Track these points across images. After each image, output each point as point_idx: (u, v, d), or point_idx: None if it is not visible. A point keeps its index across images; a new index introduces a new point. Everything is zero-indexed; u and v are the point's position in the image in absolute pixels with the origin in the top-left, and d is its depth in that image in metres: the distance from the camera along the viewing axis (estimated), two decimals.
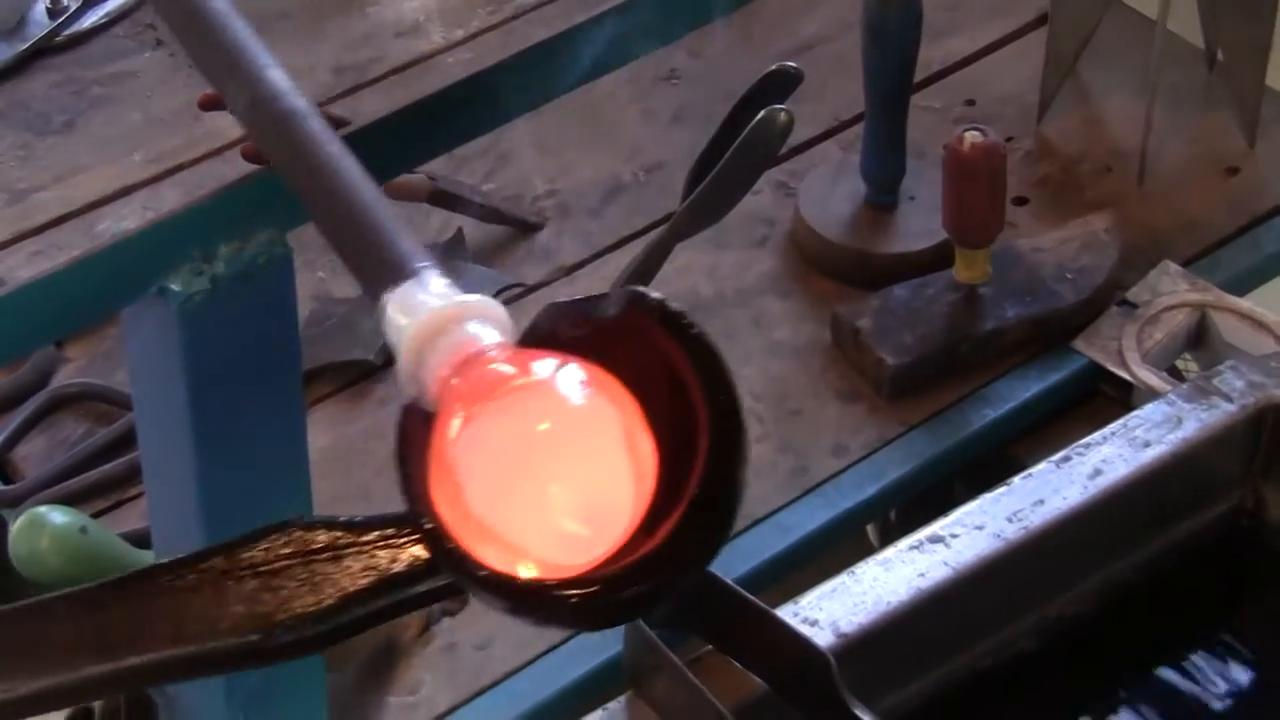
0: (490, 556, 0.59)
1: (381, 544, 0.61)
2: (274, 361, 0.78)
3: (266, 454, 0.80)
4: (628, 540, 0.59)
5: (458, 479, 0.59)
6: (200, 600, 0.61)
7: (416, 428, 0.60)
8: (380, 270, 0.66)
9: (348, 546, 0.61)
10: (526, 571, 0.59)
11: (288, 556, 0.61)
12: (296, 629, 0.61)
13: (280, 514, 0.83)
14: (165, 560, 0.61)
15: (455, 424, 0.59)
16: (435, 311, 0.62)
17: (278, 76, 0.72)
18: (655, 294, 0.62)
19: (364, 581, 0.61)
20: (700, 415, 0.61)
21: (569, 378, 0.60)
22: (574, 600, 0.58)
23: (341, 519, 0.61)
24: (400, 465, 0.60)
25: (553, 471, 0.59)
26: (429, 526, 0.59)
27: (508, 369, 0.59)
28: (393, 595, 0.61)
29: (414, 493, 0.59)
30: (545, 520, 0.59)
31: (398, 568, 0.61)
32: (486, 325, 0.62)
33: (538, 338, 0.62)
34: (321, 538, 0.61)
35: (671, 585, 0.60)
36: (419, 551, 0.61)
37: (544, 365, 0.60)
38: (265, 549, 0.61)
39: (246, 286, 0.75)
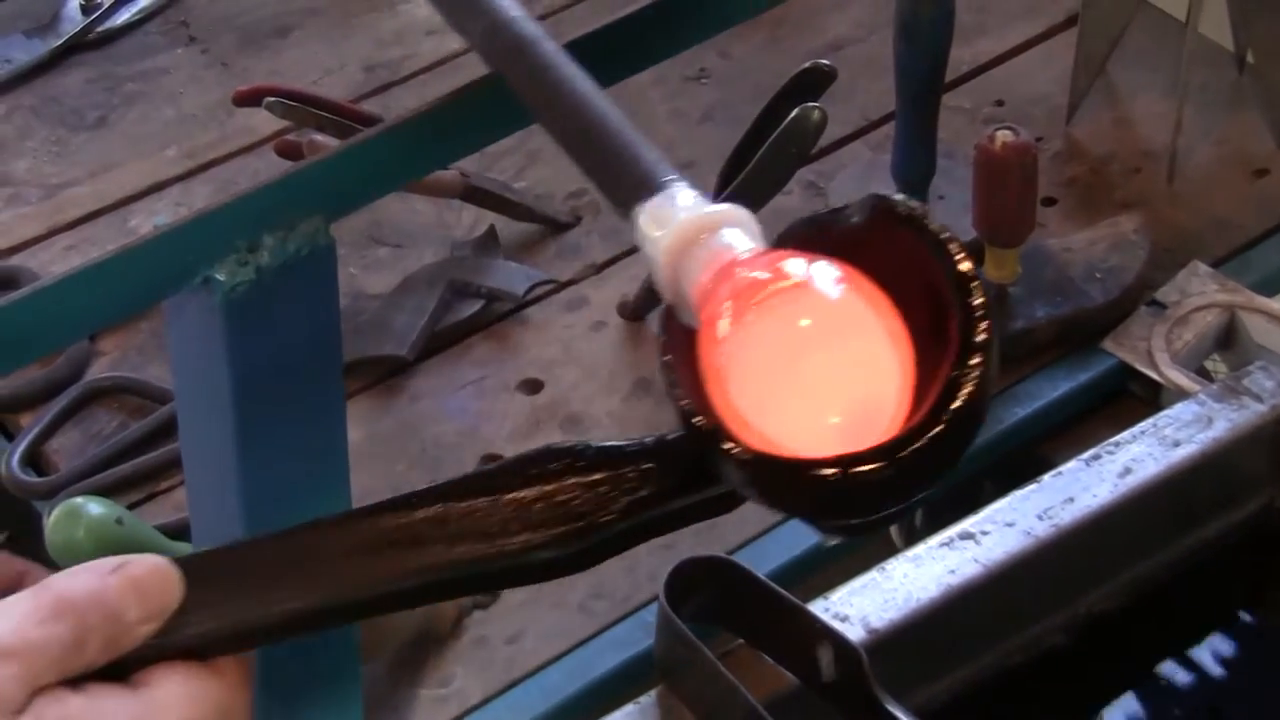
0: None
1: (646, 458, 0.65)
2: (316, 353, 0.79)
3: (308, 446, 0.80)
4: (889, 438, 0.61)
5: (725, 380, 0.62)
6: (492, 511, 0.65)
7: (678, 334, 0.64)
8: (628, 185, 0.68)
9: (619, 460, 0.64)
10: None
11: (561, 473, 0.65)
12: (602, 530, 0.64)
13: (320, 507, 0.83)
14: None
15: (721, 327, 0.61)
16: (689, 221, 0.65)
17: (508, 4, 0.76)
18: (899, 196, 0.64)
19: (644, 492, 0.64)
20: (950, 318, 0.62)
21: (828, 277, 0.61)
22: (838, 478, 0.60)
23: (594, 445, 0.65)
24: (666, 370, 0.63)
25: (820, 369, 0.61)
26: (703, 424, 0.62)
27: (766, 272, 0.62)
28: (670, 504, 0.65)
29: (683, 394, 0.62)
30: (813, 416, 0.61)
31: (668, 480, 0.65)
32: (740, 232, 0.64)
33: (787, 246, 0.64)
34: (589, 455, 0.65)
35: (920, 485, 0.61)
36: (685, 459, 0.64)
37: (802, 266, 0.62)
38: (537, 471, 0.65)
39: (290, 277, 0.75)
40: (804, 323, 0.61)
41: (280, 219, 0.75)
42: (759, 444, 0.62)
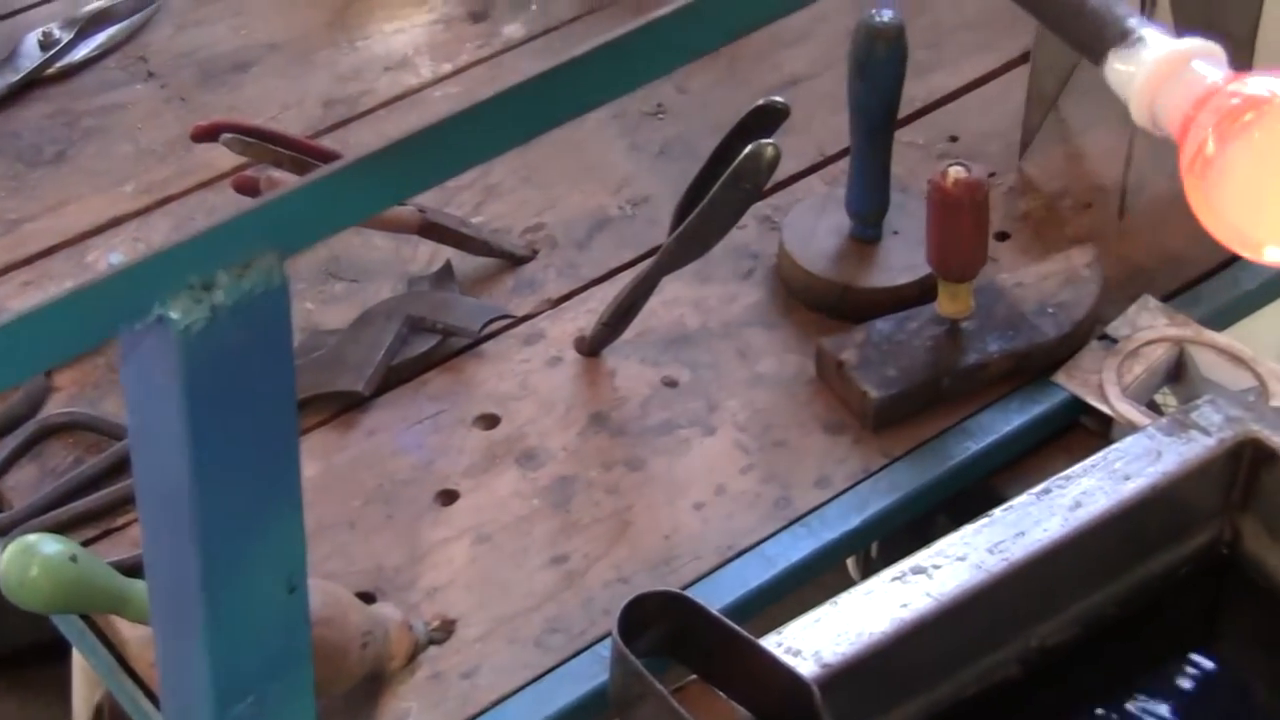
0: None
1: None
2: (271, 389, 0.79)
3: (262, 482, 0.80)
4: None
5: (1217, 196, 0.69)
6: None
7: None
8: (1101, 33, 0.76)
9: None
10: None
11: None
12: None
13: (274, 543, 0.84)
14: None
15: (1209, 148, 0.69)
16: (1163, 58, 0.72)
17: None
18: None
19: None
20: None
21: None
22: None
23: None
24: None
25: None
26: None
27: (1244, 96, 0.69)
28: None
29: None
30: None
31: None
32: (1210, 63, 0.72)
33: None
34: None
35: None
36: None
37: (1273, 86, 0.69)
38: None
39: (245, 314, 0.76)
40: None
41: (235, 256, 0.76)
42: (1246, 250, 0.70)
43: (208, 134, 1.33)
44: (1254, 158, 0.69)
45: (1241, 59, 1.33)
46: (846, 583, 1.09)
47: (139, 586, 1.04)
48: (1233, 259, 1.34)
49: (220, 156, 1.37)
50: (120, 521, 1.18)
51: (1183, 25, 1.34)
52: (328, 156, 1.30)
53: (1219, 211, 0.71)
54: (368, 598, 1.13)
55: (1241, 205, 0.70)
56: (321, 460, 1.21)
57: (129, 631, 1.12)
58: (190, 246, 0.75)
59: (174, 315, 0.75)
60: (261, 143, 1.31)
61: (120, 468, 1.20)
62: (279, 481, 0.81)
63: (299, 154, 1.31)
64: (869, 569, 1.27)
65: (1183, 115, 0.71)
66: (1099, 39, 0.77)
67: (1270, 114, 0.69)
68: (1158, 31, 0.76)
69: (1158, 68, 0.74)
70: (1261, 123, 0.69)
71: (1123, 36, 0.76)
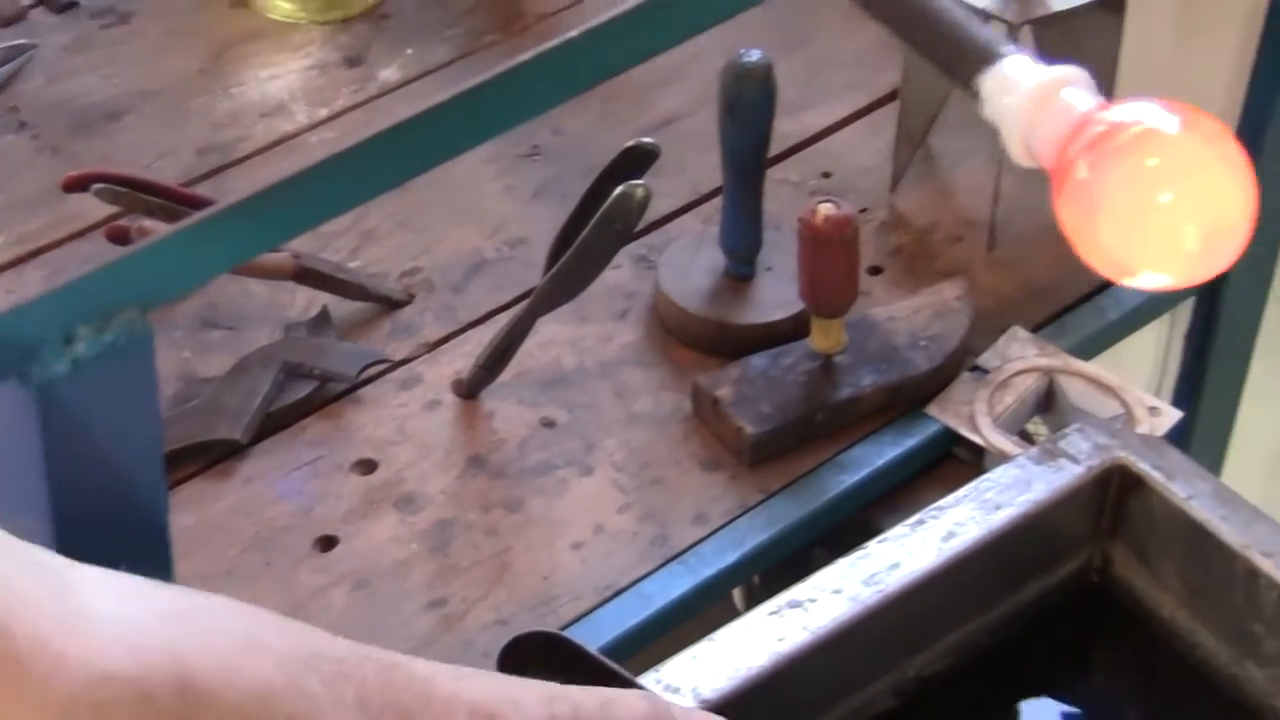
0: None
1: None
2: (136, 444, 0.79)
3: (128, 534, 0.80)
4: None
5: (1091, 223, 0.70)
6: None
7: None
8: (968, 58, 0.77)
9: None
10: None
11: None
12: None
13: None
14: None
15: (1080, 172, 0.69)
16: (1035, 86, 0.74)
17: None
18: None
19: None
20: None
21: (1170, 120, 0.70)
22: None
23: None
24: None
25: (1176, 201, 0.69)
26: None
27: (1114, 122, 0.70)
28: None
29: None
30: (1172, 245, 0.69)
31: None
32: (1081, 90, 0.73)
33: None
34: None
35: None
36: None
37: (1145, 112, 0.70)
38: None
39: (107, 368, 0.76)
40: (1155, 162, 0.69)
41: (95, 311, 0.76)
42: (1121, 275, 0.70)
43: (79, 184, 1.32)
44: (1127, 184, 0.70)
45: (1103, 89, 1.36)
46: (733, 614, 1.10)
47: None
48: (1099, 289, 1.37)
49: (93, 207, 1.36)
50: None
51: (1046, 61, 1.36)
52: (201, 204, 1.30)
53: (1094, 239, 0.71)
54: None
55: (1115, 232, 0.71)
56: (198, 510, 1.21)
57: None
58: (49, 301, 0.75)
59: (34, 369, 0.74)
60: (134, 192, 1.30)
61: None
62: (147, 537, 0.81)
63: (172, 203, 1.30)
64: (752, 600, 1.28)
65: (1056, 143, 0.72)
66: (969, 66, 0.78)
67: (1142, 140, 0.70)
68: (1028, 59, 0.78)
69: (1030, 96, 0.75)
70: (1133, 149, 0.70)
71: (993, 63, 0.78)
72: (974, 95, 0.79)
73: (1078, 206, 0.71)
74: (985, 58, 0.78)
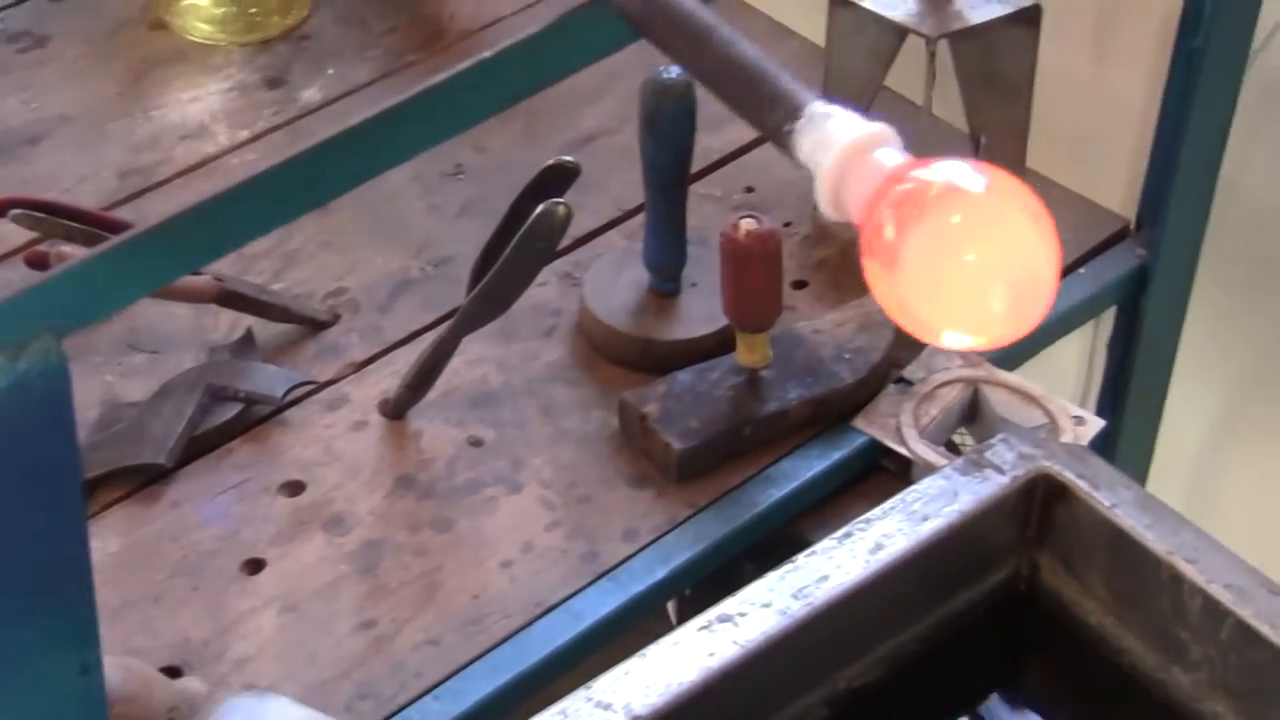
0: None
1: None
2: (53, 471, 0.78)
3: (48, 566, 0.79)
4: None
5: (896, 284, 0.68)
6: None
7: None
8: (778, 111, 0.75)
9: None
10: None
11: None
12: None
13: (64, 625, 0.82)
14: None
15: (889, 234, 0.68)
16: (848, 144, 0.72)
17: None
18: None
19: None
20: None
21: (976, 180, 0.69)
22: None
23: None
24: None
25: (984, 263, 0.68)
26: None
27: (921, 181, 0.69)
28: None
29: None
30: (980, 304, 0.69)
31: None
32: (891, 149, 0.72)
33: None
34: None
35: None
36: None
37: (953, 171, 0.69)
38: None
39: (21, 397, 0.75)
40: (958, 219, 0.68)
41: (8, 338, 0.75)
42: (926, 335, 0.70)
43: None
44: (931, 244, 0.68)
45: (1020, 104, 1.37)
46: (667, 627, 1.10)
47: None
48: None
49: (12, 232, 1.35)
50: None
51: (963, 75, 1.37)
52: (122, 228, 1.29)
53: (899, 298, 0.69)
54: (174, 672, 1.11)
55: (921, 291, 0.69)
56: (124, 535, 1.20)
57: None
58: None
59: None
60: (52, 217, 1.29)
61: None
62: (66, 565, 0.80)
63: (92, 227, 1.29)
64: (685, 613, 1.28)
65: (863, 200, 0.71)
66: (780, 119, 0.75)
67: (947, 200, 0.69)
68: (840, 110, 0.75)
69: (840, 152, 0.73)
70: (939, 208, 0.69)
71: (802, 115, 0.74)
72: (784, 146, 0.76)
73: (883, 264, 0.69)
74: (794, 109, 0.75)
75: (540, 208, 1.17)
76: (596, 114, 1.53)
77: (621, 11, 0.85)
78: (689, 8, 0.81)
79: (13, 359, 0.74)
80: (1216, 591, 1.07)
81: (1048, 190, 1.45)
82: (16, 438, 0.75)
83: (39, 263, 1.28)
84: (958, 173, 0.69)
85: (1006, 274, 0.69)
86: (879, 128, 0.73)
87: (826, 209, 0.73)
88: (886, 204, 0.69)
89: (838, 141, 0.72)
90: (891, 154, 0.72)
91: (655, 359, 1.30)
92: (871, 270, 0.70)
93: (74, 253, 1.23)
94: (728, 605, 1.08)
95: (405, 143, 0.93)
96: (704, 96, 1.29)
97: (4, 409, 0.73)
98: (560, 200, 1.17)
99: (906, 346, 1.31)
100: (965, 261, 0.68)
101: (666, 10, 0.82)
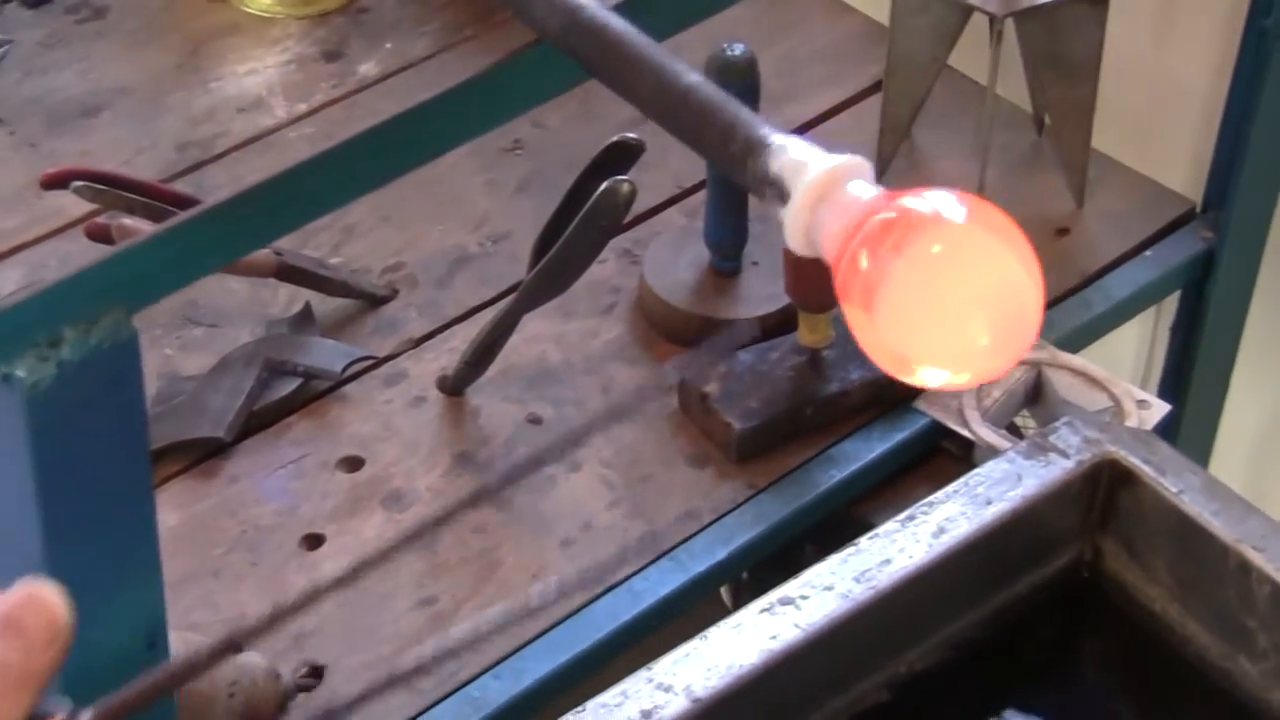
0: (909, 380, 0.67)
1: None
2: (122, 444, 0.78)
3: (116, 535, 0.79)
4: None
5: (873, 320, 0.65)
6: None
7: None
8: (739, 148, 0.71)
9: None
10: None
11: None
12: None
13: (132, 599, 0.82)
14: None
15: (864, 269, 0.65)
16: (817, 179, 0.68)
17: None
18: None
19: None
20: None
21: (955, 209, 0.65)
22: None
23: None
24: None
25: (966, 295, 0.65)
26: None
27: (895, 213, 0.65)
28: None
29: None
30: (962, 339, 0.65)
31: None
32: (862, 181, 0.68)
33: None
34: None
35: None
36: None
37: (929, 203, 0.65)
38: None
39: (93, 371, 0.75)
40: (939, 252, 0.64)
41: (81, 313, 0.75)
42: (905, 372, 0.66)
43: (58, 181, 1.31)
44: (907, 279, 0.65)
45: (1086, 84, 1.35)
46: (720, 612, 1.09)
47: None
48: (1086, 282, 1.37)
49: (72, 203, 1.35)
50: None
51: (1028, 54, 1.36)
52: (181, 201, 1.29)
53: (876, 334, 0.66)
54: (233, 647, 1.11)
55: (898, 328, 0.65)
56: (183, 509, 1.20)
57: None
58: (35, 304, 0.74)
59: (20, 374, 0.73)
60: (112, 189, 1.29)
61: None
62: (134, 538, 0.80)
63: (151, 199, 1.29)
64: (740, 597, 1.27)
65: (834, 238, 0.67)
66: (739, 153, 0.71)
67: (922, 233, 0.65)
68: (805, 144, 0.71)
69: (811, 188, 0.69)
70: (914, 242, 0.65)
71: (766, 151, 0.70)
72: (744, 183, 0.73)
73: (859, 303, 0.66)
74: (754, 142, 0.71)
75: (604, 185, 1.16)
76: None
77: (560, 45, 0.82)
78: (631, 45, 0.77)
79: (85, 333, 0.74)
80: None
81: (1112, 172, 1.43)
82: (88, 410, 0.75)
83: (100, 235, 1.27)
84: (937, 202, 0.66)
85: (991, 306, 0.65)
86: (850, 159, 0.68)
87: (796, 246, 0.69)
88: (862, 237, 0.65)
89: (806, 175, 0.68)
90: (863, 186, 0.68)
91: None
92: (847, 307, 0.66)
93: (135, 225, 1.23)
94: (789, 588, 1.07)
95: (475, 121, 0.93)
96: (765, 73, 1.28)
97: (76, 382, 0.73)
98: (624, 178, 1.16)
99: None
100: (947, 293, 0.65)
101: (610, 48, 0.78)
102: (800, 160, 0.69)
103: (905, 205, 0.65)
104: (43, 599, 0.58)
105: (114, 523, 0.79)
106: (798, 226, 0.68)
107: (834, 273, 0.66)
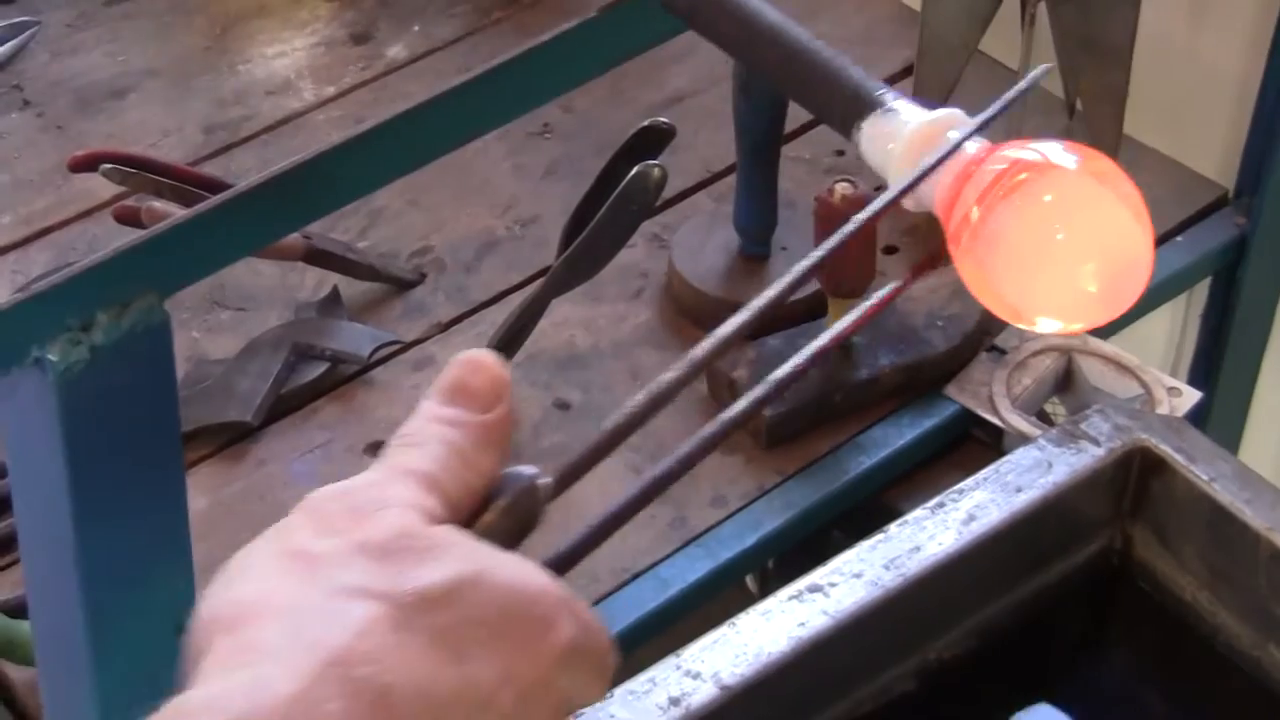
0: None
1: None
2: (153, 428, 0.78)
3: (146, 520, 0.79)
4: None
5: (984, 269, 0.66)
6: None
7: None
8: (848, 106, 0.74)
9: None
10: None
11: None
12: None
13: (161, 581, 0.82)
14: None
15: (975, 220, 0.66)
16: (919, 130, 0.71)
17: None
18: None
19: None
20: None
21: (1064, 157, 0.66)
22: None
23: None
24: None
25: (1074, 243, 0.66)
26: None
27: (1004, 164, 0.67)
28: None
29: None
30: (1072, 288, 0.66)
31: None
32: (963, 130, 0.69)
33: None
34: None
35: None
36: None
37: (1036, 152, 0.67)
38: None
39: (125, 355, 0.74)
40: (1050, 199, 0.66)
41: (113, 297, 0.75)
42: (1019, 319, 0.67)
43: (86, 164, 1.31)
44: (1019, 227, 0.66)
45: (1119, 69, 1.35)
46: (746, 598, 1.09)
47: (24, 628, 1.02)
48: None
49: (100, 186, 1.35)
50: (3, 562, 1.16)
51: (1061, 38, 1.35)
52: (209, 184, 1.29)
53: (990, 285, 0.67)
54: None
55: (1011, 277, 0.67)
56: (211, 493, 1.19)
57: (16, 673, 1.10)
58: (67, 288, 0.74)
59: (52, 357, 0.73)
60: (141, 172, 1.29)
61: (2, 507, 1.18)
62: (165, 523, 0.80)
63: (180, 182, 1.29)
64: (766, 584, 1.27)
65: (945, 190, 0.68)
66: (850, 113, 0.74)
67: (1033, 182, 0.66)
68: (908, 103, 0.73)
69: (914, 142, 0.71)
70: (1025, 191, 0.66)
71: (873, 108, 0.74)
72: (859, 145, 0.74)
73: (971, 253, 0.67)
74: (865, 105, 0.74)
75: (635, 169, 1.15)
76: (685, 74, 1.51)
77: (670, 6, 0.83)
78: (750, 8, 0.79)
79: (117, 317, 0.74)
80: None
81: (1144, 157, 1.42)
82: (121, 394, 0.75)
83: (129, 218, 1.27)
84: (1047, 151, 0.67)
85: (1102, 253, 0.66)
86: (951, 112, 0.70)
87: (905, 202, 0.70)
88: (970, 190, 0.67)
89: (910, 129, 0.70)
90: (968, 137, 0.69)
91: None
92: (960, 259, 0.67)
93: (164, 208, 1.23)
94: (818, 575, 1.07)
95: (506, 106, 0.93)
96: None
97: (109, 366, 0.73)
98: (655, 162, 1.16)
99: None
100: (1059, 242, 0.66)
101: (730, 11, 0.80)
102: (902, 115, 0.70)
103: (1015, 155, 0.67)
104: (480, 360, 0.61)
105: (145, 507, 0.79)
106: (902, 174, 0.70)
107: (944, 225, 0.67)
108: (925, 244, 1.37)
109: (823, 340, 0.65)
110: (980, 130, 0.69)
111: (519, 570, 0.57)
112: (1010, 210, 0.66)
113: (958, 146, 0.68)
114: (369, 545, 0.54)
